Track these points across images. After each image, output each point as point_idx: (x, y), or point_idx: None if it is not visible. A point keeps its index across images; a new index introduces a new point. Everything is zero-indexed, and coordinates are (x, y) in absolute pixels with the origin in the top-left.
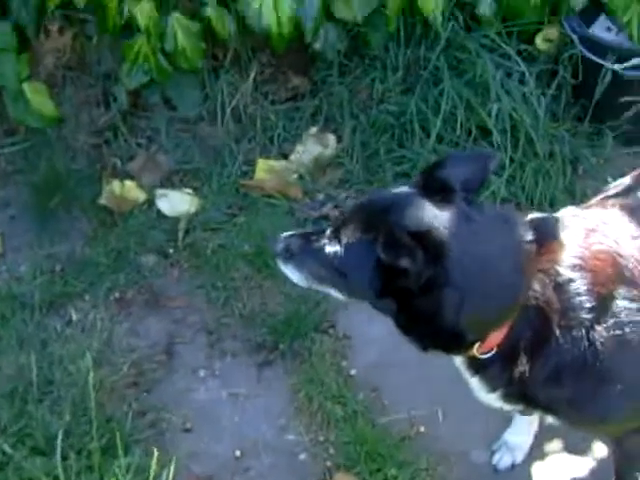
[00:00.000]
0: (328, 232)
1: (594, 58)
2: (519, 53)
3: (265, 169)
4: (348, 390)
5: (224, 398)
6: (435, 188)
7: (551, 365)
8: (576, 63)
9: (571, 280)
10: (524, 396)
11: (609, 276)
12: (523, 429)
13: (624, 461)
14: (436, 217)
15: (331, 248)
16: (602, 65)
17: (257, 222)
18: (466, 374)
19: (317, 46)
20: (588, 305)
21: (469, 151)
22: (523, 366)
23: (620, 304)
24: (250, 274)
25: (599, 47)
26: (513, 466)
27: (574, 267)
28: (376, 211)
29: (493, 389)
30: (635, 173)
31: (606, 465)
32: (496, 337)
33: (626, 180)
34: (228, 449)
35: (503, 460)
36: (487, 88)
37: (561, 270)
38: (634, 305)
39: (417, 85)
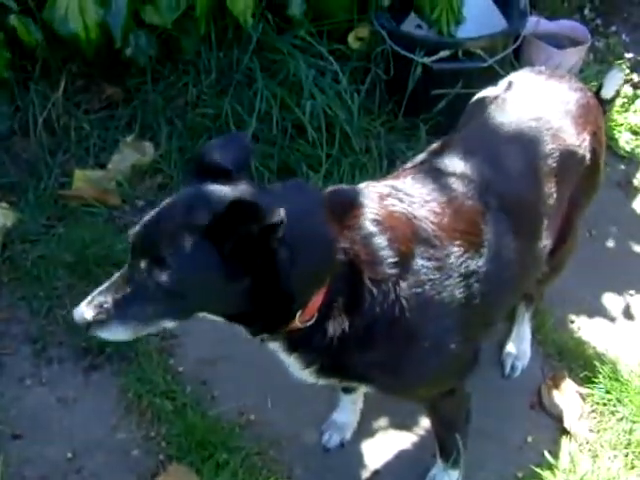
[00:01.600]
0: (139, 265)
1: (404, 53)
2: (332, 52)
3: (83, 179)
4: (177, 385)
5: (53, 403)
6: (212, 175)
7: (366, 321)
8: (388, 59)
9: (373, 234)
10: (340, 366)
11: (406, 234)
12: (349, 408)
13: (442, 427)
14: (240, 191)
15: (156, 276)
16: (412, 60)
17: (77, 231)
18: (283, 354)
19: (128, 52)
20: (392, 260)
21: (221, 137)
22: (342, 325)
23: (419, 262)
24: (73, 282)
25: (409, 42)
26: (343, 444)
27: (373, 222)
28: (183, 215)
29: (310, 364)
30: (430, 148)
31: (431, 438)
32: (316, 301)
33: (422, 155)
34: (60, 452)
35: (332, 439)
36: (301, 87)
37: (363, 225)
38: (431, 264)
39: (231, 87)
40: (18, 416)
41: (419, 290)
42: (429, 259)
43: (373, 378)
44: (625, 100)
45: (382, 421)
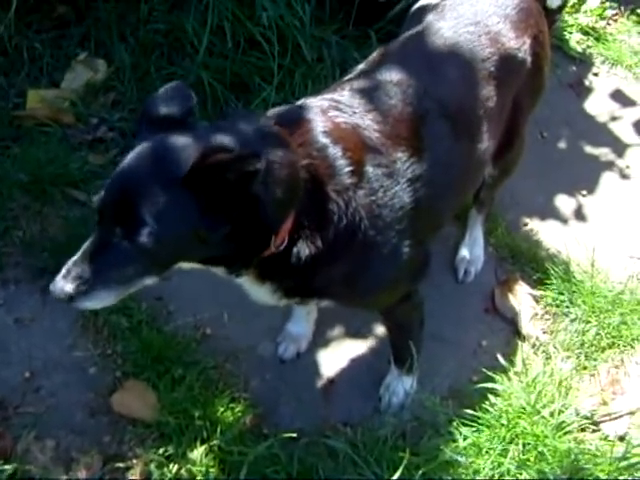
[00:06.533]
0: (111, 228)
1: None
2: None
3: (37, 99)
4: (133, 302)
5: (10, 325)
6: (164, 126)
7: (333, 233)
8: None
9: (327, 146)
10: (305, 286)
11: (356, 143)
12: (303, 319)
13: (397, 333)
14: (210, 136)
15: (132, 237)
16: None
17: (32, 151)
18: (253, 285)
19: None
20: (348, 169)
21: (163, 89)
22: (313, 240)
23: (370, 170)
24: (28, 203)
25: None
26: (298, 355)
27: (324, 135)
28: (151, 171)
29: (278, 288)
30: (369, 58)
31: (386, 345)
32: (287, 224)
33: (361, 65)
34: (17, 372)
35: (288, 350)
36: None
37: (316, 139)
38: (381, 171)
39: (183, 2)
40: None
41: (373, 198)
42: (379, 166)
43: (334, 292)
44: (576, 1)
45: (337, 331)
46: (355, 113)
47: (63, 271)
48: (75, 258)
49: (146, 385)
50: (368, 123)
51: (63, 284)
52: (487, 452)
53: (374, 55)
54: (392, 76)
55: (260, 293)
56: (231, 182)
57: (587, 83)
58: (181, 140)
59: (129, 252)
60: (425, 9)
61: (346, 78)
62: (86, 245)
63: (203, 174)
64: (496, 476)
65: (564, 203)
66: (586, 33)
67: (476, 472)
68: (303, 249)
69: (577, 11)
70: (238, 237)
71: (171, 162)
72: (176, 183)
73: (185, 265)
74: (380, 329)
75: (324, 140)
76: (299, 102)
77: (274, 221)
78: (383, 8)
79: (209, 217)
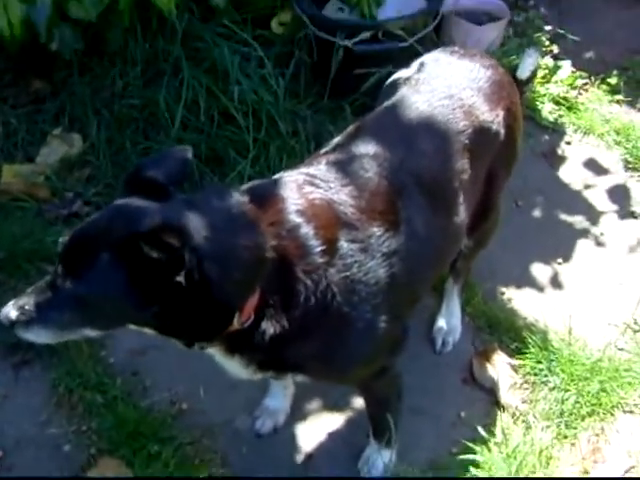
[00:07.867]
0: (59, 272)
1: (326, 36)
2: (255, 38)
3: (12, 174)
4: (108, 377)
5: None
6: (144, 190)
7: (302, 313)
8: (311, 43)
9: (299, 226)
10: (277, 361)
11: (330, 221)
12: (280, 393)
13: (375, 406)
14: (166, 210)
15: (70, 286)
16: (335, 42)
17: (6, 226)
18: (223, 357)
19: (53, 46)
20: (320, 249)
21: (161, 152)
22: (280, 320)
23: (344, 246)
24: (2, 279)
25: (330, 25)
26: (276, 430)
27: (297, 214)
28: (101, 230)
29: (250, 362)
30: (345, 131)
31: (364, 418)
32: (252, 301)
33: (337, 138)
34: None
35: (265, 425)
36: (226, 74)
37: (288, 218)
38: (355, 246)
39: (158, 77)
40: None
41: (347, 274)
42: (353, 242)
43: (309, 367)
44: (547, 71)
45: (314, 404)
46: (331, 188)
47: (13, 300)
48: (29, 290)
49: (120, 462)
50: (344, 198)
51: (9, 310)
52: None
53: (350, 128)
54: (368, 149)
55: (232, 366)
56: (156, 267)
57: (560, 152)
58: (138, 210)
59: (67, 299)
60: (399, 82)
61: (322, 151)
62: (41, 280)
63: (134, 252)
64: None
65: (540, 271)
66: (558, 103)
67: None
68: (268, 328)
69: (548, 81)
70: (176, 317)
71: (118, 229)
72: (113, 251)
73: (148, 330)
74: (358, 402)
75: (296, 220)
76: (276, 176)
77: (232, 300)
78: (357, 81)
79: (135, 293)
